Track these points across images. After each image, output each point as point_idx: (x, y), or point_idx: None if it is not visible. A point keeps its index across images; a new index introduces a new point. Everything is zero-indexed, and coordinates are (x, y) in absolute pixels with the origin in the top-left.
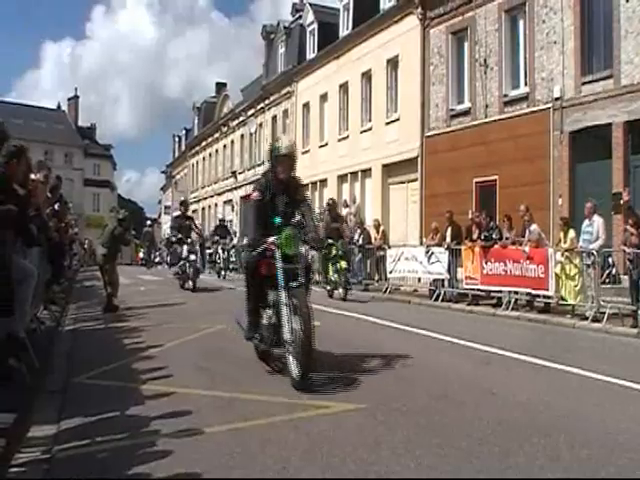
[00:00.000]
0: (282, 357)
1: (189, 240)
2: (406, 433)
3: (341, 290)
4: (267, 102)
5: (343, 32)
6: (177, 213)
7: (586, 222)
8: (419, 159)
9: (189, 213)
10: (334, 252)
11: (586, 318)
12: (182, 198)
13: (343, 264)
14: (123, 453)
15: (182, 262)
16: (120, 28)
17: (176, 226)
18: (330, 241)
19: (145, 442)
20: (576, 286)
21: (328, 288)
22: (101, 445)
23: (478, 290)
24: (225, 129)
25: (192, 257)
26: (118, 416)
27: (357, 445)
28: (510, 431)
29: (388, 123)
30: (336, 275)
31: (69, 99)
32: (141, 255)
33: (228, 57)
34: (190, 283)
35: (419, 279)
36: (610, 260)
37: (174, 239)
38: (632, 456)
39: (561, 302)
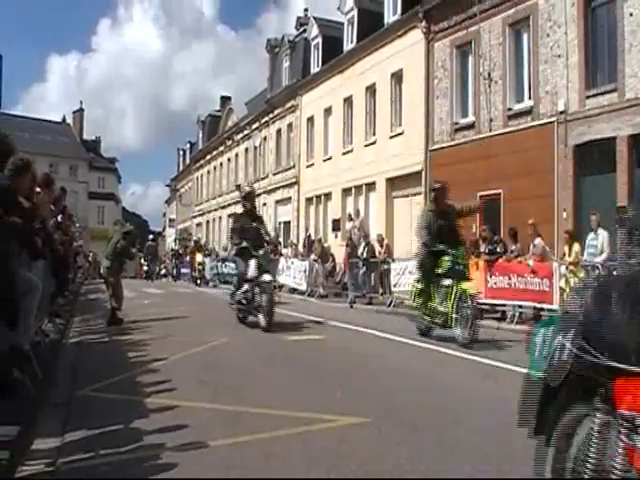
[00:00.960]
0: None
1: (260, 252)
2: (411, 448)
3: (460, 330)
4: (271, 116)
5: (347, 46)
6: (239, 210)
7: (591, 235)
8: (423, 173)
9: (257, 211)
10: (447, 264)
11: None
12: (247, 188)
13: (466, 286)
14: (127, 466)
15: (248, 285)
16: (126, 41)
17: (238, 228)
18: (442, 247)
19: (149, 455)
20: None
21: (426, 321)
22: (105, 458)
23: (483, 304)
24: (229, 143)
25: (266, 277)
26: (122, 429)
27: (362, 460)
28: (519, 449)
29: (392, 137)
30: (447, 303)
31: (74, 112)
32: (145, 268)
33: (234, 70)
34: (260, 318)
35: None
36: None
37: (235, 249)
38: None
39: None
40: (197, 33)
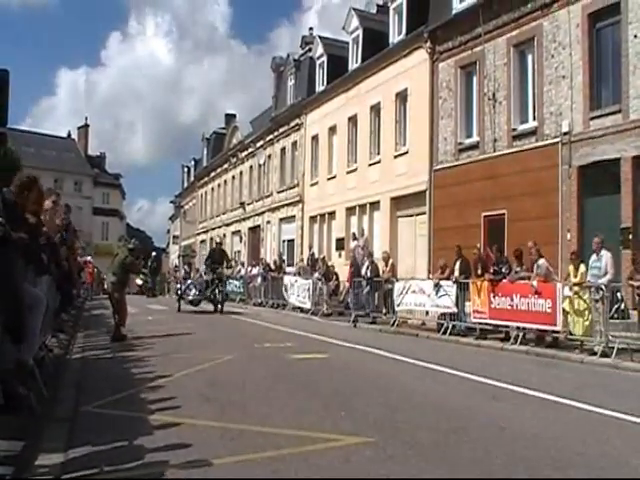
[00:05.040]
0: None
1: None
2: (416, 468)
3: None
4: (276, 134)
5: (352, 65)
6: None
7: (594, 257)
8: (427, 192)
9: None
10: None
11: (595, 353)
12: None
13: None
14: None
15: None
16: (136, 55)
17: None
18: None
19: (153, 472)
20: (585, 321)
21: None
22: (109, 475)
23: (486, 324)
24: (234, 160)
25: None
26: (126, 446)
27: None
28: (521, 468)
29: (397, 156)
30: None
31: (79, 128)
32: (138, 282)
33: (246, 86)
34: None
35: (427, 312)
36: (619, 295)
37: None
38: None
39: (569, 337)
40: (209, 48)
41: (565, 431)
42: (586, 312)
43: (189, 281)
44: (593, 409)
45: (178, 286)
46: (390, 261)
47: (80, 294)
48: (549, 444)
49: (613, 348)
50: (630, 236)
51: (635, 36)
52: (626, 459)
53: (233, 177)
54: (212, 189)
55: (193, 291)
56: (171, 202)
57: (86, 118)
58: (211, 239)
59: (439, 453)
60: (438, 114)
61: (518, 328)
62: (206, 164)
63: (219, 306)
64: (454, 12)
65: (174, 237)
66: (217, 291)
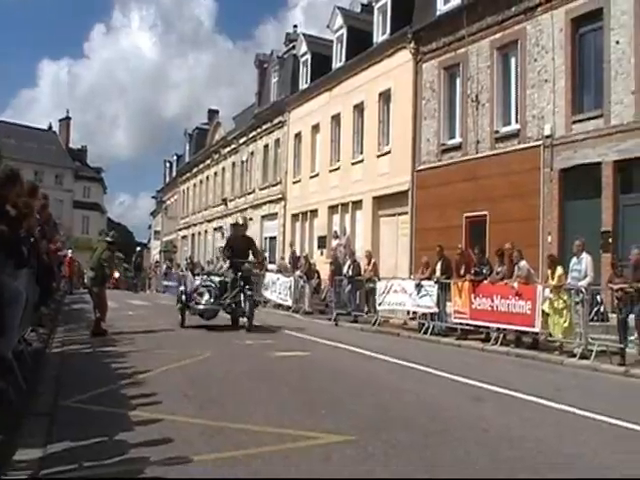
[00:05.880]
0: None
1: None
2: (396, 467)
3: None
4: (259, 131)
5: (336, 64)
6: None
7: (574, 260)
8: (410, 192)
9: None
10: None
11: (574, 355)
12: (240, 220)
13: None
14: (111, 479)
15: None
16: (120, 48)
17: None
18: None
19: (133, 469)
20: (565, 322)
21: None
22: (88, 470)
23: (467, 325)
24: (216, 156)
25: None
26: (106, 441)
27: (346, 477)
28: (504, 469)
29: (379, 156)
30: None
31: (60, 120)
32: (116, 275)
33: (230, 82)
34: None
35: (408, 312)
36: (598, 298)
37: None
38: None
39: (549, 339)
40: (194, 42)
41: (547, 433)
42: (565, 314)
43: (198, 281)
44: (574, 411)
45: (182, 289)
46: (372, 260)
47: (60, 288)
48: (531, 446)
49: (592, 350)
50: (610, 240)
51: (617, 42)
52: (605, 460)
53: (215, 173)
54: (194, 185)
55: (206, 297)
56: (153, 197)
57: (67, 111)
58: (192, 235)
59: (420, 453)
60: (421, 115)
61: (498, 329)
62: (188, 160)
63: (245, 320)
64: (438, 13)
65: (155, 232)
66: (242, 297)
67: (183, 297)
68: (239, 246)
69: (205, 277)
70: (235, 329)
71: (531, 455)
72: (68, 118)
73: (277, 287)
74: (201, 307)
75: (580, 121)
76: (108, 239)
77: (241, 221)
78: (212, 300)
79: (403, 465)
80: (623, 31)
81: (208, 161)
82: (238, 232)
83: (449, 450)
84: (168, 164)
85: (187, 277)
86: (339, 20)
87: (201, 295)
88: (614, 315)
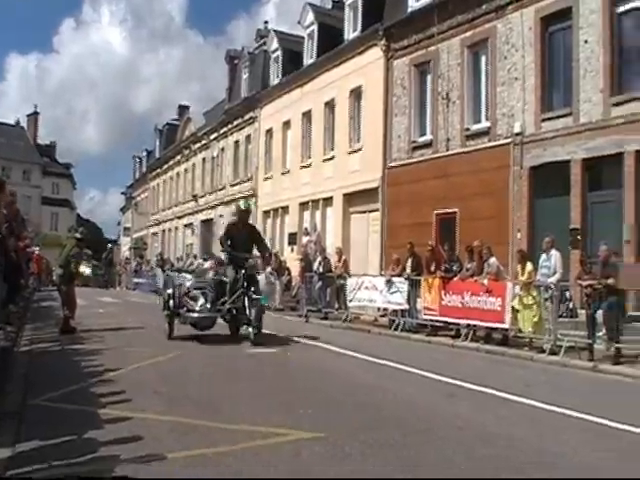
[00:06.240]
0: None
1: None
2: (365, 462)
3: None
4: (230, 127)
5: (307, 60)
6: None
7: (544, 256)
8: (380, 189)
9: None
10: None
11: (543, 351)
12: (242, 207)
13: None
14: (81, 478)
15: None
16: (90, 42)
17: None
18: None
19: (103, 468)
20: (534, 317)
21: None
22: (58, 469)
23: (437, 321)
24: (187, 152)
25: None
26: (75, 440)
27: (316, 474)
28: (479, 467)
29: (350, 152)
30: None
31: (28, 115)
32: (85, 271)
33: (201, 78)
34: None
35: (379, 308)
36: (567, 294)
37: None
38: None
39: (519, 335)
40: (165, 37)
41: (522, 430)
42: (535, 310)
43: (190, 280)
44: (544, 406)
45: (169, 291)
46: (342, 257)
47: (28, 285)
48: (506, 443)
49: (561, 346)
50: (579, 237)
51: (585, 41)
52: (579, 455)
53: (186, 169)
54: (164, 181)
55: (201, 301)
56: (122, 193)
57: (35, 106)
58: (163, 232)
59: (397, 452)
60: (392, 112)
61: (468, 325)
62: (159, 155)
63: (250, 329)
64: (410, 10)
65: (125, 229)
66: (246, 302)
67: (171, 302)
68: (240, 237)
69: (197, 278)
70: (235, 341)
71: (506, 453)
72: (36, 113)
73: None
74: (195, 315)
75: (549, 119)
76: (77, 235)
77: (243, 205)
78: (209, 305)
79: (372, 461)
80: (592, 30)
81: (178, 157)
82: (239, 219)
83: (429, 449)
84: (138, 160)
85: (173, 277)
86: (310, 16)
87: (194, 299)
88: (583, 311)
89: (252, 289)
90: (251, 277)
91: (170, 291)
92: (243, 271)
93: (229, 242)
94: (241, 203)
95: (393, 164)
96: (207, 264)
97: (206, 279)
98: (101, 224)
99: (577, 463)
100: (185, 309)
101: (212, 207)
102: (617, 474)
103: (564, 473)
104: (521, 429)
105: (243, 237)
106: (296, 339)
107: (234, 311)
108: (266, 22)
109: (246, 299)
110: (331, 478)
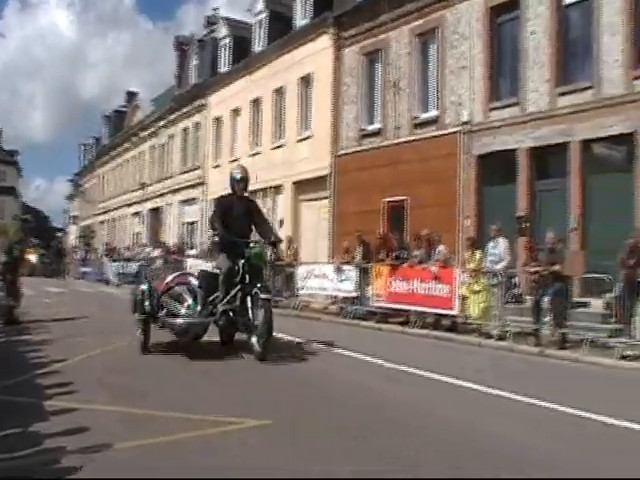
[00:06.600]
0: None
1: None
2: (312, 450)
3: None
4: (178, 114)
5: (257, 47)
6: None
7: (491, 244)
8: (330, 177)
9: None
10: None
11: (491, 337)
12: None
13: None
14: (26, 470)
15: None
16: (36, 26)
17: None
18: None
19: (49, 459)
20: (481, 304)
21: None
22: (3, 463)
23: (387, 308)
24: (135, 139)
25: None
26: (20, 433)
27: (259, 459)
28: (434, 452)
29: (300, 140)
30: None
31: None
32: (32, 260)
33: (150, 64)
34: (254, 341)
35: (329, 296)
36: (515, 280)
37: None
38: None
39: (467, 321)
40: (114, 21)
41: (473, 415)
42: (483, 297)
43: (170, 276)
44: (492, 392)
45: (143, 287)
46: (293, 245)
47: None
48: (459, 427)
49: (509, 332)
50: (526, 224)
51: (533, 32)
52: (527, 441)
53: (134, 157)
54: (112, 169)
55: (188, 301)
56: (69, 181)
57: None
58: (113, 220)
59: (344, 440)
60: (342, 100)
61: (418, 312)
62: (106, 143)
63: (253, 339)
64: None
65: (73, 217)
66: (248, 302)
67: (147, 303)
68: (238, 215)
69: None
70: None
71: (461, 439)
72: None
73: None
74: (179, 321)
75: (497, 108)
76: (23, 217)
77: (239, 173)
78: (199, 307)
79: (320, 448)
80: (539, 21)
81: (126, 144)
82: (234, 191)
83: (370, 432)
84: (83, 147)
85: (149, 269)
86: (260, 4)
87: (178, 299)
88: (529, 297)
89: (259, 286)
90: (254, 268)
91: (145, 287)
92: (242, 261)
93: (220, 216)
94: (237, 168)
95: (343, 152)
96: (155, 252)
97: (193, 272)
98: (48, 212)
99: (521, 447)
100: (165, 312)
101: (160, 195)
102: (565, 456)
103: (563, 473)
104: (474, 414)
105: (239, 215)
106: None
107: (230, 314)
108: (215, 9)
109: (248, 298)
110: (329, 478)
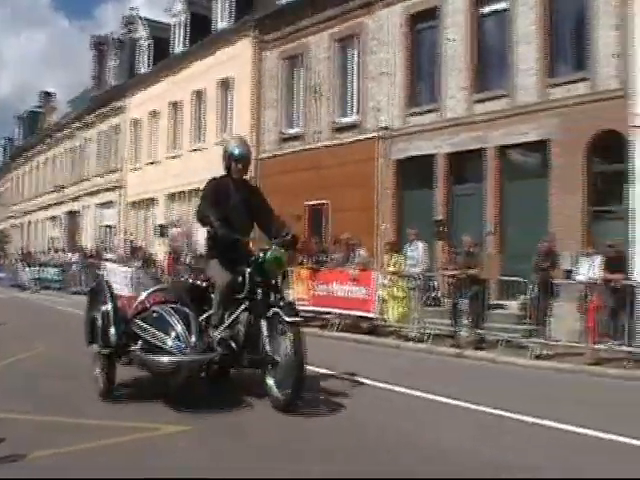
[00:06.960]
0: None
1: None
2: (232, 455)
3: None
4: (96, 115)
5: (176, 49)
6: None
7: (409, 247)
8: (252, 181)
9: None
10: None
11: (410, 339)
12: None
13: None
14: None
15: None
16: None
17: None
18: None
19: None
20: (401, 307)
21: None
22: None
23: (307, 311)
24: (50, 141)
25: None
26: None
27: (179, 462)
28: (356, 455)
29: (220, 143)
30: None
31: None
32: None
33: (68, 63)
34: (271, 383)
35: None
36: (434, 284)
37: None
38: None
39: (386, 324)
40: (29, 19)
41: (390, 417)
42: (402, 300)
43: (152, 287)
44: (410, 392)
45: (106, 308)
46: None
47: None
48: (375, 427)
49: (428, 334)
50: (443, 228)
51: (450, 39)
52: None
53: (49, 159)
54: (27, 171)
55: (177, 329)
56: None
57: None
58: (29, 223)
59: (255, 438)
60: (263, 103)
61: (338, 315)
62: (20, 144)
63: (270, 381)
64: (281, 3)
65: None
66: (263, 328)
67: (112, 331)
68: (235, 204)
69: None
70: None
71: (379, 440)
72: None
73: (117, 278)
74: (166, 360)
75: (416, 114)
76: None
77: (237, 147)
78: (194, 338)
79: (240, 452)
80: (457, 29)
81: (42, 146)
82: (230, 173)
83: (276, 432)
84: None
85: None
86: (179, 4)
87: (161, 327)
88: (447, 300)
89: (283, 303)
90: (269, 279)
91: (109, 307)
92: (249, 269)
93: (217, 212)
94: (234, 139)
95: (264, 156)
96: (74, 258)
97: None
98: None
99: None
100: (140, 344)
101: (77, 198)
102: (487, 455)
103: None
104: (381, 414)
105: (238, 204)
106: None
107: (232, 344)
108: (132, 8)
109: (262, 322)
110: (326, 478)
